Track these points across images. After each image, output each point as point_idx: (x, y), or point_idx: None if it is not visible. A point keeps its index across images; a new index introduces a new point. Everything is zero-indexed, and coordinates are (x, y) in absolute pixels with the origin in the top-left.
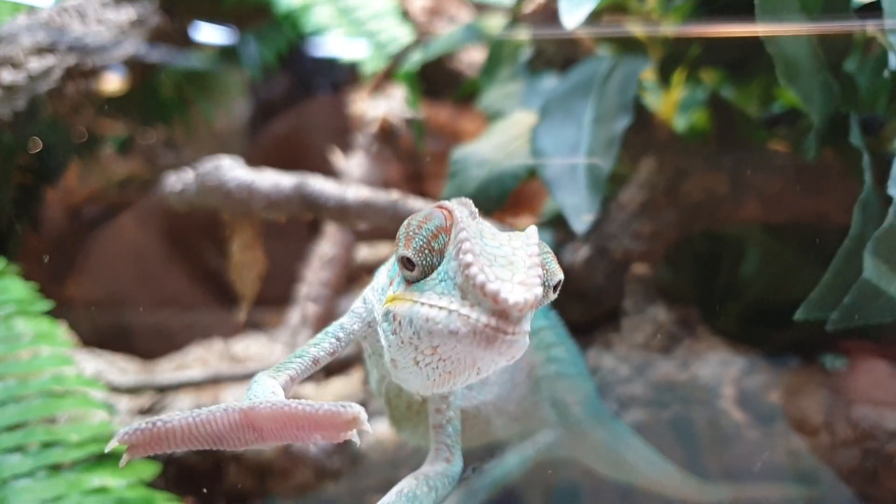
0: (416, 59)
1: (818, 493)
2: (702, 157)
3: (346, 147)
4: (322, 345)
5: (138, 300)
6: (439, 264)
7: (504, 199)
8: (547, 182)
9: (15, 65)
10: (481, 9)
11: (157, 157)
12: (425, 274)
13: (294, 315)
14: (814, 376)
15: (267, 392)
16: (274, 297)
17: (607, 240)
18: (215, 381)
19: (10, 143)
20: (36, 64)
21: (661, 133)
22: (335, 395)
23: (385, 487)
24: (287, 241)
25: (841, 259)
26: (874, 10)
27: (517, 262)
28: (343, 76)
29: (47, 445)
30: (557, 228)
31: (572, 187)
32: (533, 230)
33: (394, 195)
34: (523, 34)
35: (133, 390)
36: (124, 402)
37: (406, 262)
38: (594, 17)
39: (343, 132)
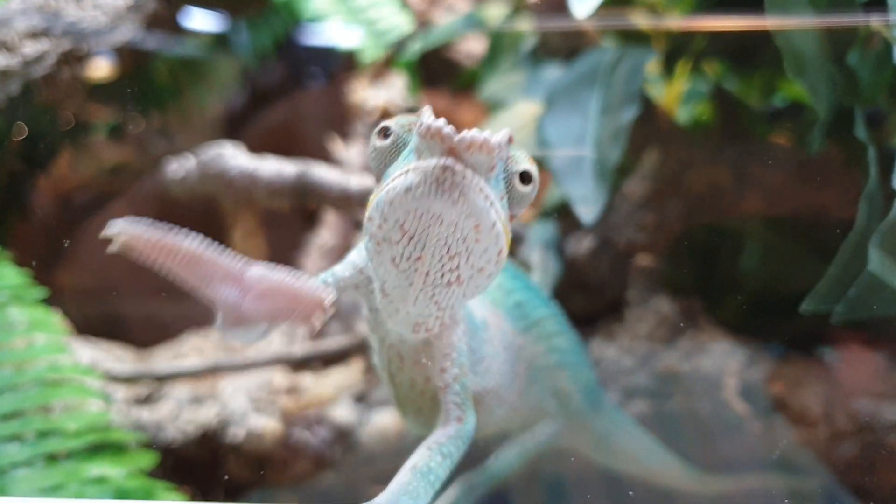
0: (415, 47)
1: (816, 485)
2: (705, 149)
3: (342, 135)
4: None
5: (130, 288)
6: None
7: None
8: (553, 172)
9: (9, 49)
10: None
11: (150, 145)
12: (397, 149)
13: None
14: (814, 368)
15: None
16: None
17: (611, 231)
18: (213, 371)
19: (2, 129)
20: (30, 48)
21: (664, 125)
22: (335, 386)
23: (385, 478)
24: (281, 230)
25: (846, 252)
26: (879, 5)
27: None
28: (338, 64)
29: (44, 434)
30: (560, 219)
31: (579, 178)
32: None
33: None
34: (525, 24)
35: (131, 379)
36: (121, 392)
37: (383, 131)
38: (599, 8)
39: (338, 121)
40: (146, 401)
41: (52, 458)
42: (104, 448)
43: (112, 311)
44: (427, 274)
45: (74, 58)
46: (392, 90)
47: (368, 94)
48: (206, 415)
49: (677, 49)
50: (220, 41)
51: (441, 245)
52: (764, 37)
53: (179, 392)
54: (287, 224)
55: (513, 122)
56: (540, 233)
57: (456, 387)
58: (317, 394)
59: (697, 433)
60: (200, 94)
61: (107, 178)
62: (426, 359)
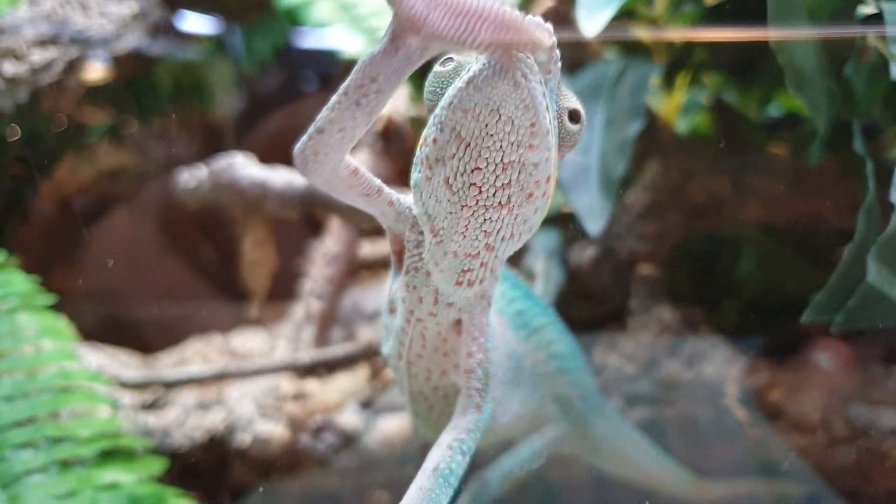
0: None
1: (814, 491)
2: (705, 159)
3: None
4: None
5: (134, 294)
6: None
7: None
8: (559, 184)
9: (17, 57)
10: None
11: (149, 149)
12: (458, 74)
13: (298, 311)
14: (812, 375)
15: None
16: (270, 293)
17: (613, 240)
18: (221, 377)
19: (8, 135)
20: (38, 56)
21: (664, 135)
22: (341, 392)
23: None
24: (284, 238)
25: (846, 263)
26: (876, 20)
27: None
28: (340, 71)
29: (57, 441)
30: (563, 228)
31: (585, 190)
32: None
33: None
34: None
35: (140, 386)
36: (128, 397)
37: (446, 60)
38: None
39: None
40: (152, 406)
41: (65, 465)
42: (115, 454)
43: (114, 315)
44: (480, 191)
45: (81, 65)
46: (396, 99)
47: None
48: (212, 420)
49: (678, 61)
50: (220, 46)
51: (496, 150)
52: (762, 49)
53: (186, 398)
54: (292, 232)
55: None
56: (543, 242)
57: (479, 372)
58: (323, 400)
59: (698, 439)
60: (201, 100)
61: (107, 182)
62: (453, 342)
